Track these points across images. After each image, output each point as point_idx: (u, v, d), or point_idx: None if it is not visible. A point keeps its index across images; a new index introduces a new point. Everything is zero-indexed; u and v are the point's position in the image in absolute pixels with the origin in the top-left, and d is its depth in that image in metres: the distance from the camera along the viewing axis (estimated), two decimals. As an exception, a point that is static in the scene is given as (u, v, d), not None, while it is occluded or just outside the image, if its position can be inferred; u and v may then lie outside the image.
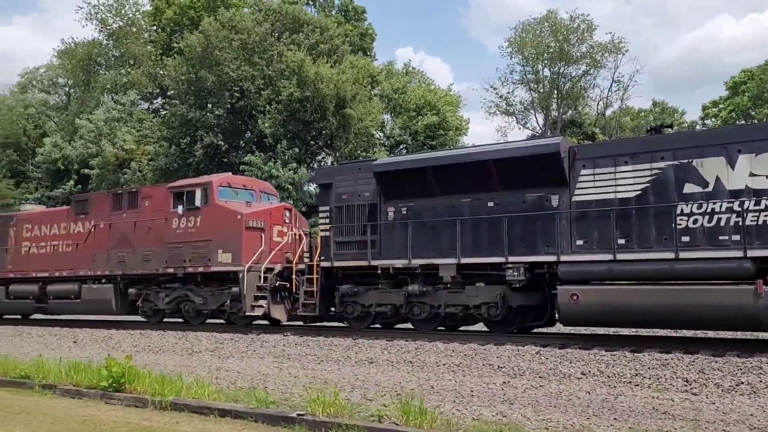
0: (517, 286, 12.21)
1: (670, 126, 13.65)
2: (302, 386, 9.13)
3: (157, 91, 38.92)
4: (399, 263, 13.44)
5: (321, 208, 15.37)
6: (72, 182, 38.29)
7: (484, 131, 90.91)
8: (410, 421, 6.43)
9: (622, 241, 11.20)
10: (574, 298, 11.19)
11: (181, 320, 17.97)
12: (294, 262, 15.52)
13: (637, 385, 9.23)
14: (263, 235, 15.98)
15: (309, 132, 28.97)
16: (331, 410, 6.78)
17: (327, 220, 15.04)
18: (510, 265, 12.11)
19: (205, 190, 16.52)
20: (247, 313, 15.44)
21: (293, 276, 15.28)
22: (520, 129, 50.86)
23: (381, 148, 29.94)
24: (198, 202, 16.49)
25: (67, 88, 47.67)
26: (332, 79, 27.73)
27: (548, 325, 13.24)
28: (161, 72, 35.24)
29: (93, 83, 41.08)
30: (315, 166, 30.74)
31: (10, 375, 9.81)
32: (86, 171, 35.83)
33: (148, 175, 34.27)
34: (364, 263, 13.90)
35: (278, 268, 15.66)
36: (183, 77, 31.23)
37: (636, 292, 10.82)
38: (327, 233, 14.90)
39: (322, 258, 14.71)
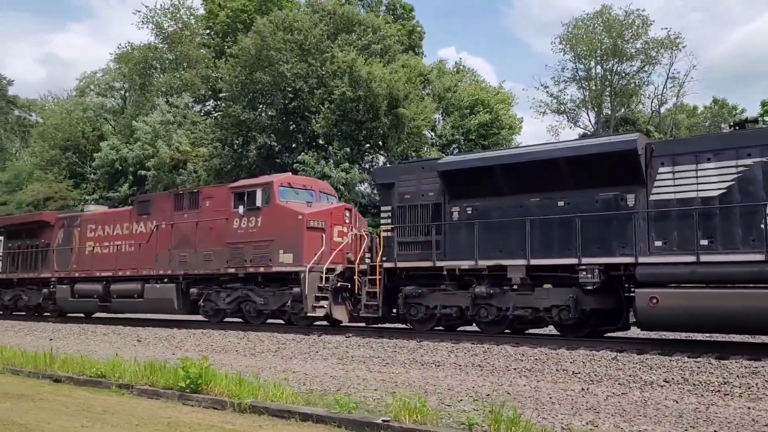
0: (591, 288, 11.78)
1: (755, 121, 12.99)
2: (373, 389, 8.96)
3: (210, 93, 39.46)
4: (465, 264, 13.15)
5: (383, 208, 15.18)
6: (127, 184, 39.13)
7: (532, 131, 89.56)
8: (502, 430, 6.16)
9: (705, 242, 10.67)
10: (654, 301, 10.72)
11: (240, 320, 18.07)
12: (356, 262, 15.39)
13: (727, 395, 8.75)
14: (324, 236, 15.89)
15: (361, 132, 28.89)
16: (417, 417, 6.57)
17: (389, 220, 14.86)
18: (583, 267, 11.69)
19: (265, 190, 16.54)
20: (308, 314, 15.36)
21: (355, 277, 15.14)
22: (570, 128, 49.81)
23: (433, 148, 29.66)
24: (259, 202, 16.52)
25: (123, 92, 48.84)
26: (384, 78, 27.58)
27: (623, 330, 12.75)
28: (214, 74, 35.68)
29: (148, 86, 41.94)
30: (366, 166, 30.67)
31: (87, 374, 9.91)
32: (143, 172, 36.55)
33: (203, 176, 34.78)
34: (429, 264, 13.66)
35: (339, 268, 15.54)
36: (236, 79, 31.54)
37: (723, 295, 10.28)
38: (389, 233, 14.72)
39: (385, 258, 14.54)
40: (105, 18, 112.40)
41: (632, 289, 11.56)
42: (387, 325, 15.56)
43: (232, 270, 16.87)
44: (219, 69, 33.87)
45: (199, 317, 19.36)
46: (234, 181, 18.62)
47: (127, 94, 47.62)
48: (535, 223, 12.46)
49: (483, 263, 12.92)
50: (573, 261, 11.88)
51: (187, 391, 8.39)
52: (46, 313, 22.95)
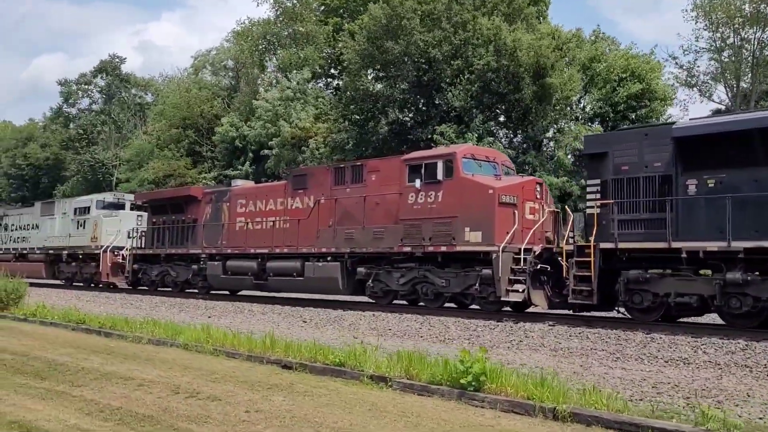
0: None
1: None
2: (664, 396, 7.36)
3: (329, 69, 38.55)
4: (713, 246, 11.25)
5: (589, 182, 13.46)
6: (248, 162, 38.90)
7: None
8: None
9: None
10: None
11: (404, 303, 16.87)
12: (558, 243, 13.76)
13: None
14: (516, 212, 14.34)
15: (502, 104, 27.05)
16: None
17: (597, 195, 13.11)
18: None
19: (447, 162, 15.12)
20: (502, 298, 13.89)
21: (561, 259, 13.48)
22: (701, 102, 45.72)
23: (578, 122, 27.46)
24: (440, 175, 15.14)
25: (236, 71, 48.79)
26: (532, 45, 25.57)
27: None
28: (337, 47, 34.63)
29: (267, 62, 41.51)
30: (503, 141, 28.82)
31: (320, 361, 8.79)
32: (265, 151, 36.13)
33: (325, 152, 33.93)
34: (662, 245, 11.82)
35: (537, 249, 13.95)
36: (365, 51, 30.29)
37: None
38: (597, 210, 12.97)
39: (597, 238, 12.81)
40: (195, 7, 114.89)
41: None
42: (592, 313, 13.85)
43: (407, 248, 15.61)
44: (345, 42, 32.72)
45: (357, 298, 18.38)
46: (403, 154, 17.31)
47: (240, 71, 47.47)
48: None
49: (738, 245, 10.97)
50: None
51: (470, 389, 7.05)
52: (192, 290, 22.66)
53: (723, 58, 44.49)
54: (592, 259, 12.63)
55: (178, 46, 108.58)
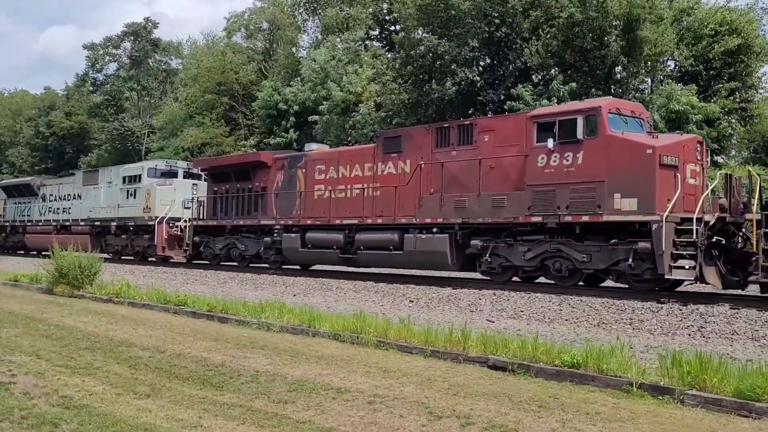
0: None
1: None
2: None
3: (382, 27, 36.13)
4: None
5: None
6: (292, 129, 36.75)
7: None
8: None
9: None
10: None
11: (518, 280, 14.95)
12: (740, 212, 11.72)
13: None
14: (677, 176, 12.28)
15: (586, 62, 24.74)
16: None
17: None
18: None
19: (590, 118, 13.01)
20: (666, 276, 11.90)
21: (752, 232, 11.43)
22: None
23: (669, 81, 25.15)
24: (580, 134, 13.05)
25: (271, 32, 46.28)
26: (622, -7, 23.17)
27: None
28: (391, 3, 32.22)
29: (308, 22, 39.11)
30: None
31: (559, 361, 6.87)
32: (314, 117, 33.97)
33: (378, 119, 31.76)
34: None
35: (709, 218, 11.89)
36: (426, 5, 27.90)
37: None
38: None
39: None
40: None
41: None
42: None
43: (537, 218, 13.59)
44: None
45: (462, 274, 16.50)
46: (533, 111, 15.22)
47: (275, 33, 44.98)
48: None
49: None
50: None
51: None
52: (259, 264, 20.85)
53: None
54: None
55: (191, 18, 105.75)
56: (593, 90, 24.64)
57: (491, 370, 7.07)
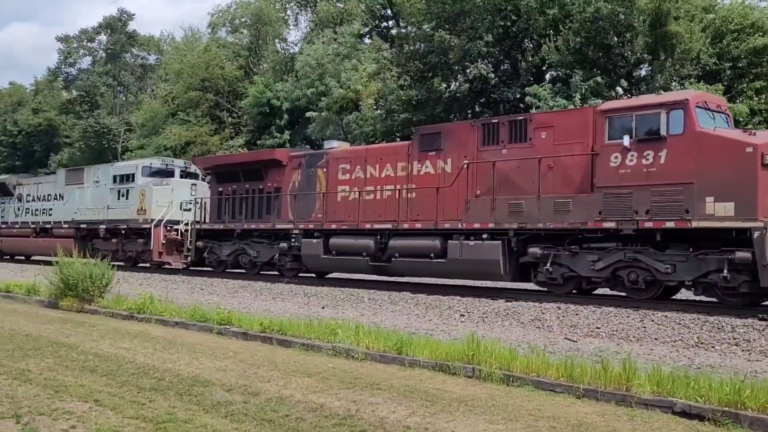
0: None
1: None
2: None
3: (380, 21, 34.60)
4: None
5: None
6: (288, 130, 34.88)
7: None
8: None
9: None
10: None
11: (574, 292, 13.54)
12: None
13: None
14: (777, 177, 11.02)
15: (609, 59, 23.58)
16: None
17: None
18: None
19: (675, 112, 11.68)
20: (770, 289, 10.63)
21: None
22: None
23: (693, 80, 24.20)
24: (664, 130, 11.70)
25: (257, 28, 44.29)
26: (653, -12, 22.09)
27: None
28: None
29: (299, 16, 37.34)
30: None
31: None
32: (311, 114, 32.22)
33: (378, 117, 30.20)
34: None
35: (821, 225, 10.65)
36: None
37: None
38: None
39: None
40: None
41: None
42: None
43: (610, 224, 12.21)
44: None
45: (509, 285, 15.03)
46: (603, 105, 13.85)
47: (261, 29, 43.00)
48: None
49: None
50: None
51: None
52: (270, 272, 19.12)
53: None
54: None
55: (155, 17, 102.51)
56: (617, 88, 23.54)
57: (681, 418, 5.59)
